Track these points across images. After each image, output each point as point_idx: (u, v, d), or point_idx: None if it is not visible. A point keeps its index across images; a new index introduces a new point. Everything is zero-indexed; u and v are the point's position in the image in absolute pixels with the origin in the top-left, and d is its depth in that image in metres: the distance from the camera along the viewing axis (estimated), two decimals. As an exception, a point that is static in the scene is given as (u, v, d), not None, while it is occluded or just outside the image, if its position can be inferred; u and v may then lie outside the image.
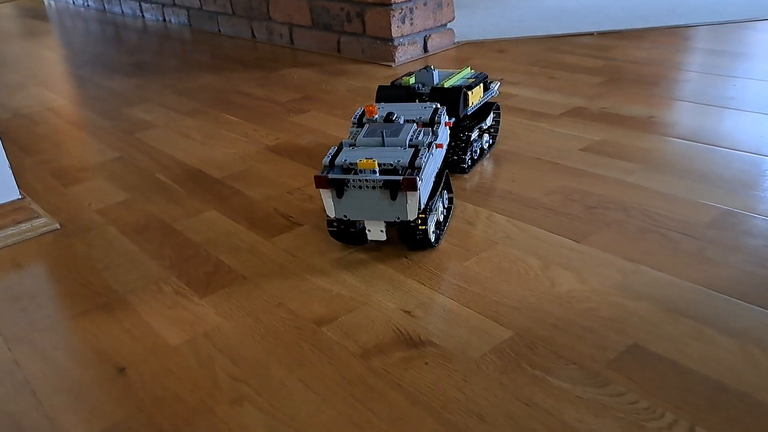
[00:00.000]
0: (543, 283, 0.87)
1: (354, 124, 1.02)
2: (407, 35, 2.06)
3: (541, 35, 2.18)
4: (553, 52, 1.99)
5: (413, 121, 1.01)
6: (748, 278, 0.84)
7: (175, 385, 0.75)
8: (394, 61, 2.03)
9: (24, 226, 1.14)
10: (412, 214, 0.88)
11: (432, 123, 1.01)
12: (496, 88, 1.31)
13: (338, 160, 0.92)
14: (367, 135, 0.96)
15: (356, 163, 0.90)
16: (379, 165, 0.90)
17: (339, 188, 0.89)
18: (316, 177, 0.88)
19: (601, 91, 1.60)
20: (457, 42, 2.21)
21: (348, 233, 0.96)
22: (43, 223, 1.16)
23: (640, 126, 1.36)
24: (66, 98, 2.04)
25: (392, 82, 1.23)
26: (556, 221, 1.03)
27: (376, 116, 1.02)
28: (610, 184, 1.13)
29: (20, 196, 1.17)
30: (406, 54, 2.06)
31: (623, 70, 1.75)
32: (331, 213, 0.92)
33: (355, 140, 0.96)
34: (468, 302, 0.85)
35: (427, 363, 0.75)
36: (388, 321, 0.83)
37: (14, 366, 0.82)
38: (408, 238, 0.94)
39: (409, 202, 0.87)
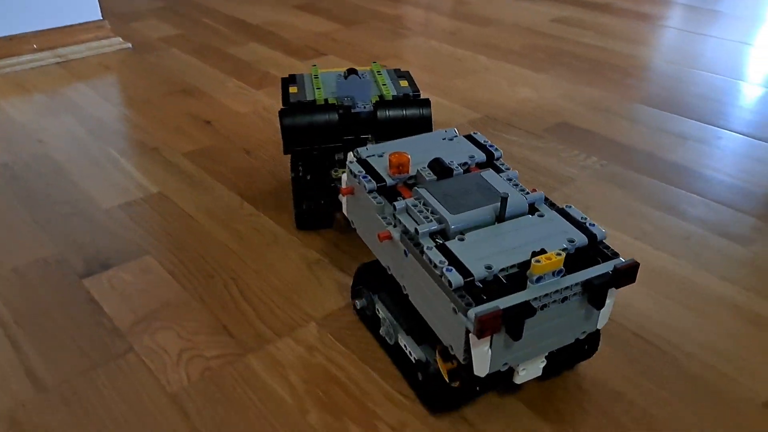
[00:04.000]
0: (508, 92, 1.21)
1: (372, 191, 0.59)
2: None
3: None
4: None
5: (466, 165, 0.63)
6: (659, 91, 1.19)
7: (247, 130, 1.08)
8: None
9: (104, 42, 1.43)
10: (603, 320, 0.56)
11: (490, 163, 0.64)
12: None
13: (478, 272, 0.50)
14: (458, 211, 0.55)
15: (525, 269, 0.52)
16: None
17: (520, 324, 0.49)
18: (483, 319, 0.47)
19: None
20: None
21: (474, 388, 0.57)
22: (119, 41, 1.45)
23: (599, 8, 1.68)
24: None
25: (286, 84, 0.82)
26: (525, 61, 1.35)
27: (418, 170, 0.60)
28: (569, 43, 1.45)
29: (101, 18, 1.45)
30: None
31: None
32: (486, 369, 0.51)
33: (448, 229, 0.54)
34: (451, 99, 1.18)
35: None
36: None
37: (127, 119, 1.13)
38: (576, 357, 0.62)
39: (607, 301, 0.54)
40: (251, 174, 0.95)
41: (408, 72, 0.85)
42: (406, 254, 0.54)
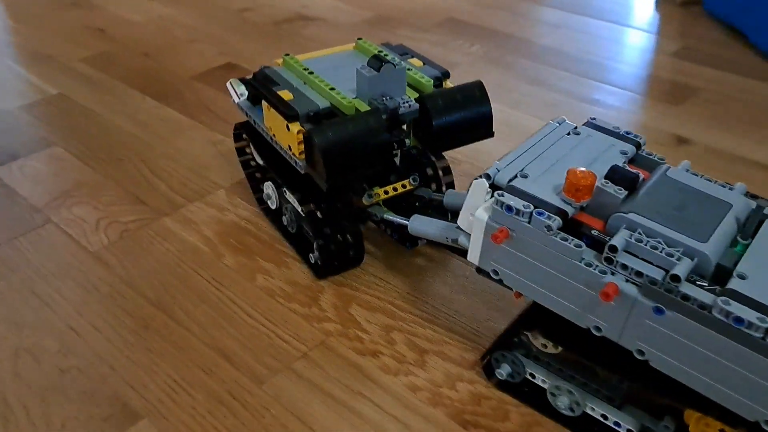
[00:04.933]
0: (399, -5, 1.28)
1: (559, 230, 0.44)
2: None
3: None
4: None
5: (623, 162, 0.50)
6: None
7: (144, 35, 1.09)
8: None
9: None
10: None
11: (638, 154, 0.52)
12: None
13: None
14: (704, 237, 0.42)
15: None
16: None
17: None
18: None
19: None
20: None
21: None
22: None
23: None
24: None
25: (269, 88, 0.59)
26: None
27: (598, 186, 0.45)
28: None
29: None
30: None
31: None
32: None
33: (706, 264, 0.41)
34: (345, 1, 1.23)
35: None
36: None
37: (17, 32, 1.11)
38: None
39: None
40: (151, 73, 0.98)
41: (402, 45, 0.68)
42: (659, 312, 0.41)
